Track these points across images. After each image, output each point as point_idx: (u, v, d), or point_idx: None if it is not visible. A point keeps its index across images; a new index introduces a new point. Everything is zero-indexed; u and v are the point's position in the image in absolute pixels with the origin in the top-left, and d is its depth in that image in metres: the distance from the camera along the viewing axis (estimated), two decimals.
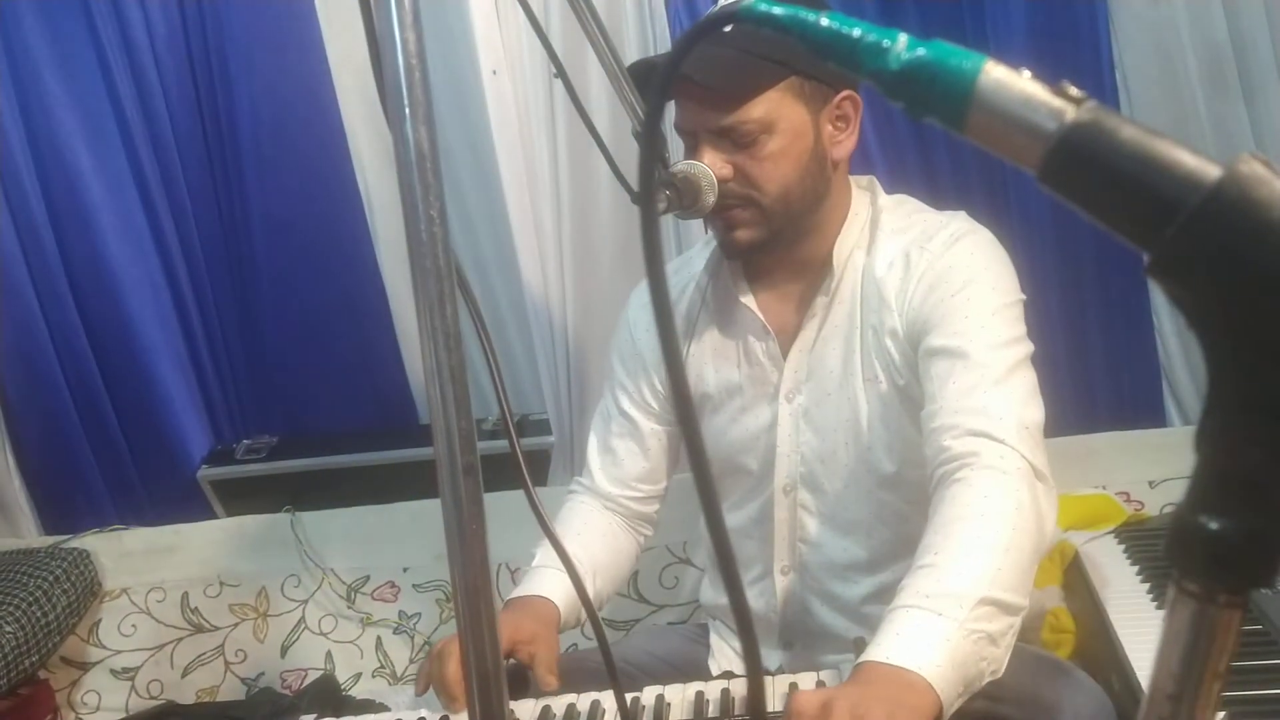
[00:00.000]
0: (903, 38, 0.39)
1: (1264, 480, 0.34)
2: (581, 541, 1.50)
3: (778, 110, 1.34)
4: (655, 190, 1.17)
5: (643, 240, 0.46)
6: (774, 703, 1.21)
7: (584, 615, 1.46)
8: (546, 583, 1.41)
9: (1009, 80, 0.38)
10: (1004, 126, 0.37)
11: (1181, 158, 0.34)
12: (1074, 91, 0.36)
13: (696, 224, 2.03)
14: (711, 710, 1.21)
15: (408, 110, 0.61)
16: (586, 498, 1.60)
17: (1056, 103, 0.37)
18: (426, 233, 0.62)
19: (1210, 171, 0.34)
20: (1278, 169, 0.33)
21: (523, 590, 1.42)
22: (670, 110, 1.35)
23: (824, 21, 0.39)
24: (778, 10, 0.39)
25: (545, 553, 1.48)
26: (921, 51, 0.39)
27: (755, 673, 0.49)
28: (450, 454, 0.62)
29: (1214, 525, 0.35)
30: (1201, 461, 0.36)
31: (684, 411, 0.49)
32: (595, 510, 1.58)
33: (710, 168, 1.33)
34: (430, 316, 0.62)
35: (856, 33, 0.39)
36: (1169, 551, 0.37)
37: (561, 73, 0.99)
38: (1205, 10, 1.93)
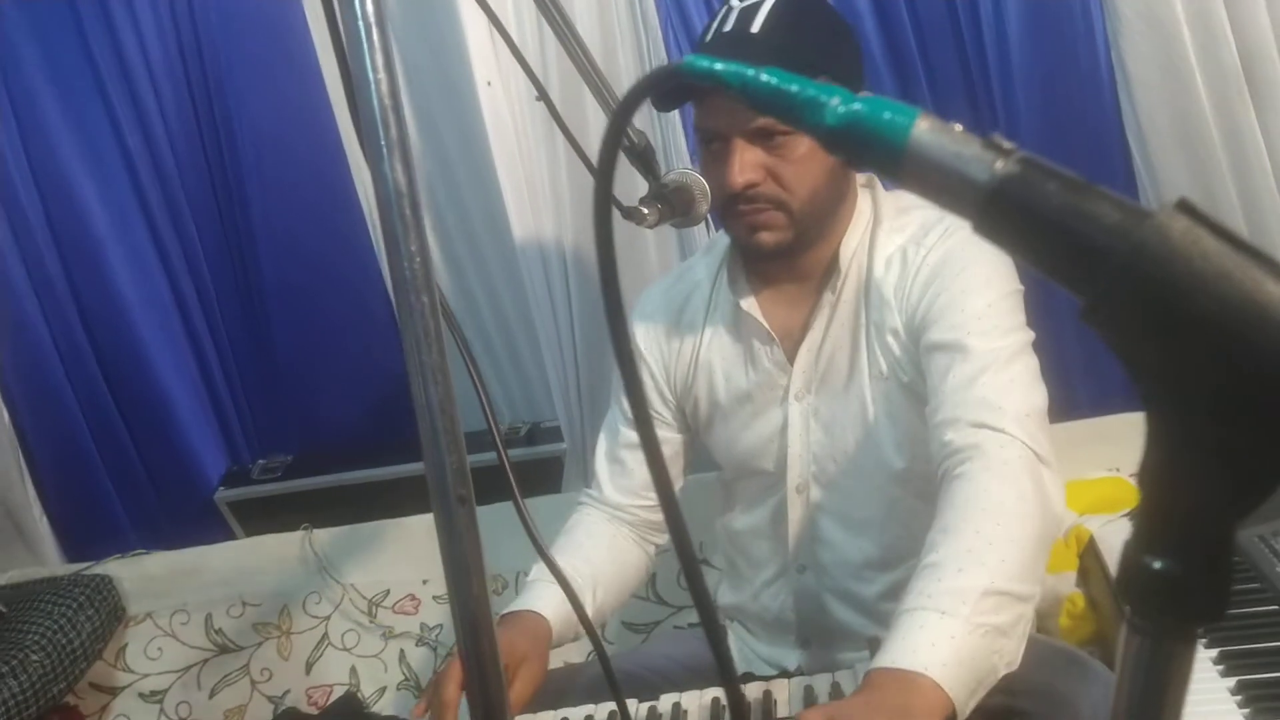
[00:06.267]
0: (838, 95, 0.40)
1: (1203, 520, 0.35)
2: (584, 554, 1.49)
3: None
4: (645, 205, 1.17)
5: (599, 265, 0.46)
6: (790, 706, 1.22)
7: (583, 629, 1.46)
8: (540, 597, 1.40)
9: (940, 134, 0.38)
10: (938, 178, 0.38)
11: (1105, 210, 0.35)
12: (1004, 144, 0.37)
13: (701, 229, 2.04)
14: (728, 716, 1.21)
15: (385, 150, 0.62)
16: (594, 509, 1.59)
17: (986, 155, 0.37)
18: (409, 270, 0.62)
19: (1136, 222, 0.34)
20: (1207, 215, 0.33)
21: (517, 605, 1.41)
22: (667, 119, 1.35)
23: (764, 77, 0.40)
24: (719, 66, 0.40)
25: (542, 566, 1.46)
26: (856, 107, 0.39)
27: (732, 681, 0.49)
28: (442, 487, 0.63)
29: (1157, 565, 0.36)
30: (1144, 502, 0.37)
31: (644, 428, 0.49)
32: (602, 521, 1.57)
33: (743, 170, 1.33)
34: (417, 353, 0.63)
35: (795, 89, 0.39)
36: (1118, 589, 0.37)
37: (544, 96, 0.99)
38: None
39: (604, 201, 0.42)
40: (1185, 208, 0.34)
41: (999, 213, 0.37)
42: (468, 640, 0.65)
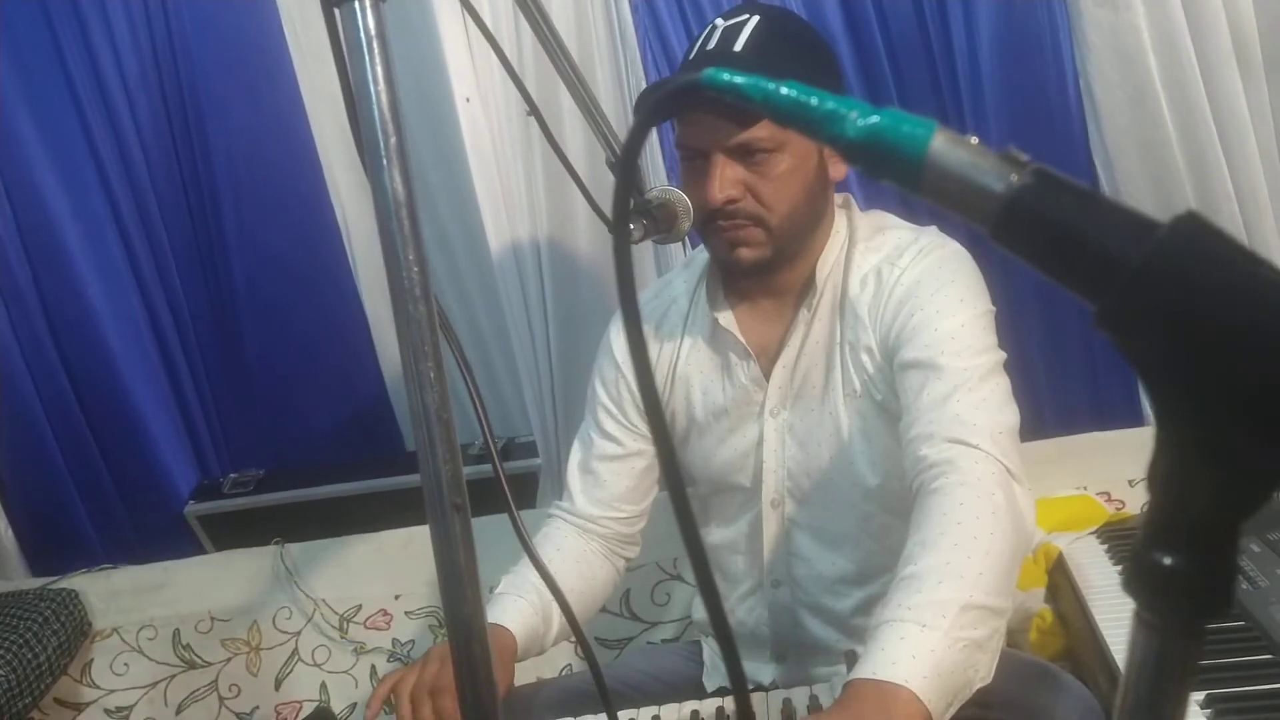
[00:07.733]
0: (858, 108, 0.41)
1: (1212, 519, 0.36)
2: (552, 569, 1.49)
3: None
4: (631, 221, 1.18)
5: (616, 272, 0.47)
6: (766, 719, 1.23)
7: (546, 643, 1.45)
8: (507, 611, 1.40)
9: (957, 146, 0.40)
10: (955, 189, 0.40)
11: (1119, 220, 0.36)
12: (1019, 156, 0.38)
13: (676, 246, 2.06)
14: None
15: (384, 161, 0.62)
16: (564, 523, 1.58)
17: (1002, 167, 0.39)
18: (407, 279, 0.63)
19: (1149, 231, 0.36)
20: (1214, 225, 0.35)
21: None
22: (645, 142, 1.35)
23: (784, 90, 0.41)
24: (740, 79, 0.41)
25: (509, 580, 1.47)
26: (875, 119, 0.40)
27: (741, 690, 0.50)
28: (438, 494, 0.64)
29: (1167, 561, 0.38)
30: (1154, 501, 0.38)
31: (663, 444, 0.50)
32: (571, 536, 1.56)
33: (723, 186, 1.34)
34: (414, 362, 0.63)
35: (815, 101, 0.40)
36: (1128, 585, 0.39)
37: (535, 111, 1.00)
38: (1162, 9, 1.96)
39: (622, 236, 0.43)
40: (1194, 218, 0.35)
41: (1015, 222, 0.39)
42: (460, 647, 0.66)
